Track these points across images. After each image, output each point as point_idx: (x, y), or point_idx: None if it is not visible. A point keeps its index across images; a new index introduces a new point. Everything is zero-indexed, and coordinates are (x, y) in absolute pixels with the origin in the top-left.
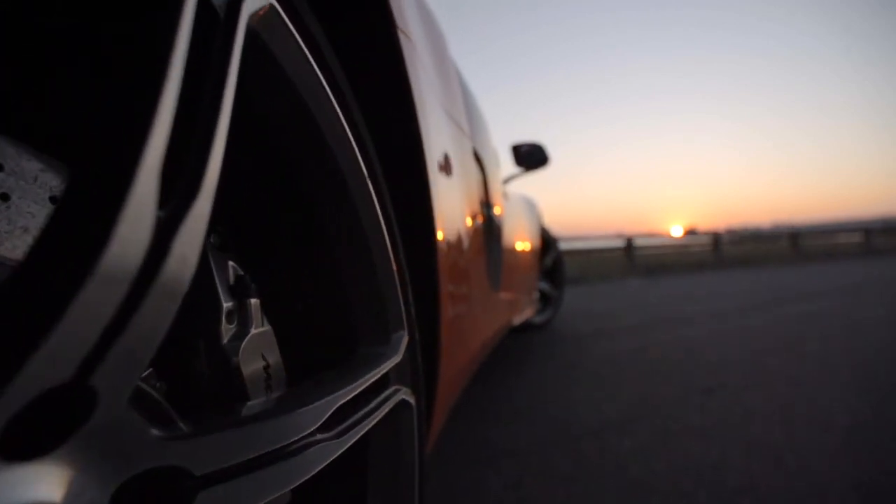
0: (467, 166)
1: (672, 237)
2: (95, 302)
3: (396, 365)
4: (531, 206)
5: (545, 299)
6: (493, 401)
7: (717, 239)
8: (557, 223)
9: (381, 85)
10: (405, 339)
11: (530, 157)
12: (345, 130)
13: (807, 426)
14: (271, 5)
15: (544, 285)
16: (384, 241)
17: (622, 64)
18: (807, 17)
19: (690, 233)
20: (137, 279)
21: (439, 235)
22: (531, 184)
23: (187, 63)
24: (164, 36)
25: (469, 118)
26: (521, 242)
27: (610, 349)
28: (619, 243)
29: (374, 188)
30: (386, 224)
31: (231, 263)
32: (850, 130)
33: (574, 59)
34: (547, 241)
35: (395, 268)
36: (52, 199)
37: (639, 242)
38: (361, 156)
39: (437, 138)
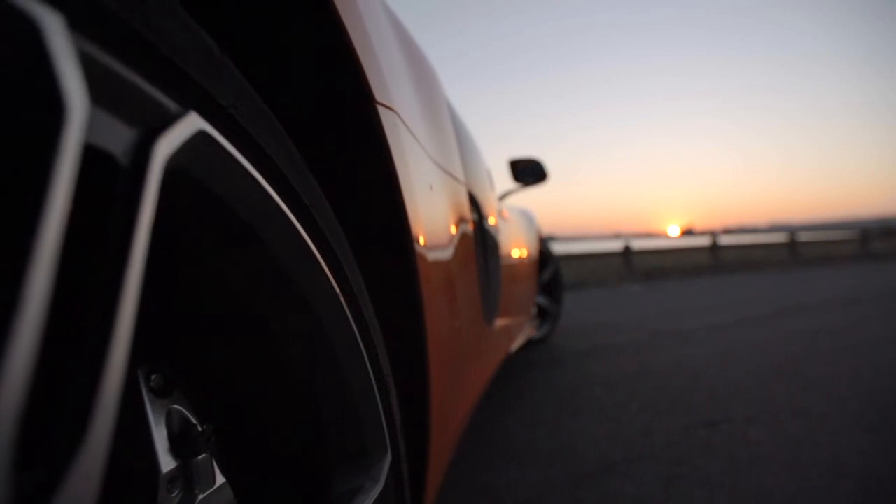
0: (462, 216)
1: (669, 237)
2: None
3: (379, 495)
4: (529, 221)
5: (543, 313)
6: (489, 438)
7: (714, 242)
8: (554, 223)
9: (359, 171)
10: (388, 461)
11: (528, 172)
12: (308, 248)
13: (816, 470)
14: (201, 132)
15: (542, 300)
16: (361, 352)
17: (619, 64)
18: (805, 16)
19: (687, 232)
20: None
21: (428, 321)
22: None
23: (69, 242)
24: (32, 210)
25: (462, 160)
26: (519, 268)
27: (609, 372)
28: (617, 246)
29: (347, 300)
30: (360, 331)
31: (176, 408)
32: (846, 130)
33: (571, 58)
34: (545, 255)
35: (374, 384)
36: None
37: (636, 244)
38: (330, 266)
39: (427, 206)
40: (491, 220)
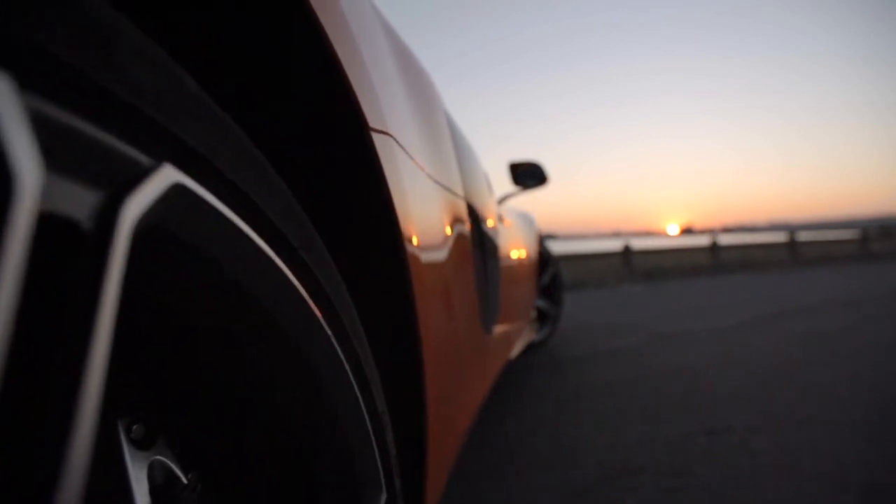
0: (461, 232)
1: (669, 235)
2: None
3: None
4: (529, 223)
5: (542, 316)
6: (487, 445)
7: (714, 242)
8: (554, 223)
9: (355, 200)
10: (383, 500)
11: (528, 175)
12: (297, 292)
13: (819, 484)
14: (176, 185)
15: (542, 303)
16: (356, 395)
17: (619, 64)
18: (805, 16)
19: (687, 231)
20: None
21: (426, 344)
22: None
23: (29, 313)
24: None
25: (461, 171)
26: (519, 273)
27: (608, 377)
28: (617, 245)
29: (340, 343)
30: (354, 372)
31: (159, 460)
32: (846, 130)
33: (571, 58)
34: (545, 257)
35: (370, 425)
36: None
37: (636, 243)
38: (322, 309)
39: (426, 229)
40: (490, 225)
